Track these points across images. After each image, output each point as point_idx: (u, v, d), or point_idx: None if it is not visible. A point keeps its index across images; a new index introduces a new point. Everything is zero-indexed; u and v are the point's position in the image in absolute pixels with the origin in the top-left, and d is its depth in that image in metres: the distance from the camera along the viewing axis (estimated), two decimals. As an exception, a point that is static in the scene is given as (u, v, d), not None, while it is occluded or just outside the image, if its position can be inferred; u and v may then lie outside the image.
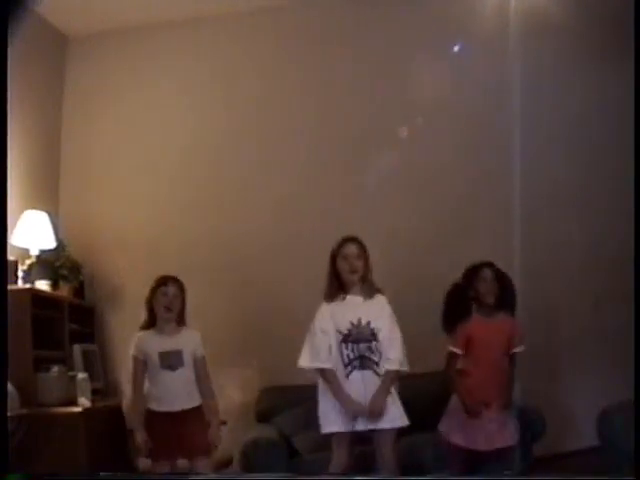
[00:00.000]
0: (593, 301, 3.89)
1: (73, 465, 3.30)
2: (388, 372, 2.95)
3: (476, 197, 4.17)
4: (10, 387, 3.17)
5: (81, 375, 3.75)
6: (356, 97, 4.43)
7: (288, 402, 3.86)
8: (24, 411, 3.31)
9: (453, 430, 3.14)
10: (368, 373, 2.95)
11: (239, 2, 4.50)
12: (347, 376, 2.93)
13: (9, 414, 3.06)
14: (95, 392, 3.89)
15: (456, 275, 3.34)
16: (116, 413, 3.74)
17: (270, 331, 4.12)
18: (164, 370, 3.08)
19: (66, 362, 3.90)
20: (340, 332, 2.98)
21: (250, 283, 4.30)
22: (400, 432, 2.95)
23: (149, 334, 3.16)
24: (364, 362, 2.95)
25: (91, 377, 3.86)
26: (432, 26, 4.32)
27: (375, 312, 3.03)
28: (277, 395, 3.97)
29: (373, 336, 2.97)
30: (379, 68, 4.42)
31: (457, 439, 3.11)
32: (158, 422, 3.05)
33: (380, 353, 2.95)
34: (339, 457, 2.90)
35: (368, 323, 2.99)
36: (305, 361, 2.99)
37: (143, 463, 3.22)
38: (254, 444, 3.40)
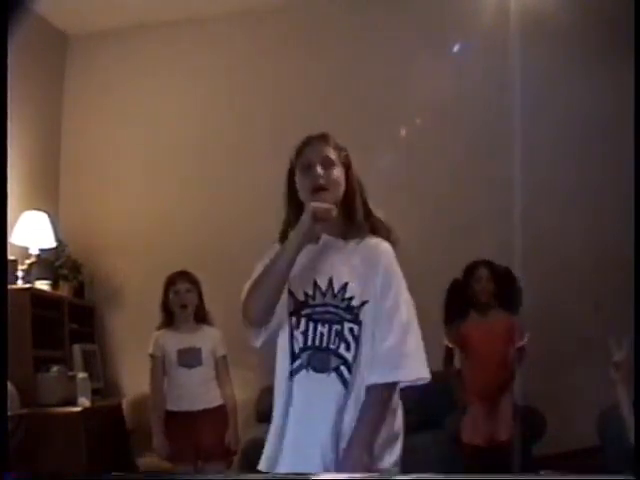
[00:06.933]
0: (593, 301, 3.89)
1: (73, 465, 3.31)
2: (373, 388, 1.61)
3: (476, 198, 4.16)
4: (10, 387, 3.17)
5: (81, 375, 3.75)
6: (356, 97, 4.42)
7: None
8: (24, 411, 3.31)
9: (464, 429, 3.16)
10: (325, 379, 1.62)
11: (240, 2, 4.50)
12: (290, 377, 1.66)
13: (9, 414, 3.06)
14: (95, 392, 3.89)
15: (455, 276, 3.38)
16: (116, 413, 3.74)
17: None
18: (181, 368, 3.05)
19: (66, 362, 3.90)
20: (293, 295, 1.69)
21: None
22: None
23: (167, 332, 3.14)
24: (321, 358, 1.63)
25: (91, 377, 3.86)
26: (432, 26, 4.31)
27: (364, 267, 1.67)
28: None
29: (349, 311, 1.64)
30: (378, 69, 4.41)
31: (466, 438, 3.13)
32: (177, 423, 3.01)
33: (359, 346, 1.63)
34: None
35: (344, 287, 1.66)
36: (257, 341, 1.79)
37: (142, 463, 3.22)
38: (254, 444, 3.39)
